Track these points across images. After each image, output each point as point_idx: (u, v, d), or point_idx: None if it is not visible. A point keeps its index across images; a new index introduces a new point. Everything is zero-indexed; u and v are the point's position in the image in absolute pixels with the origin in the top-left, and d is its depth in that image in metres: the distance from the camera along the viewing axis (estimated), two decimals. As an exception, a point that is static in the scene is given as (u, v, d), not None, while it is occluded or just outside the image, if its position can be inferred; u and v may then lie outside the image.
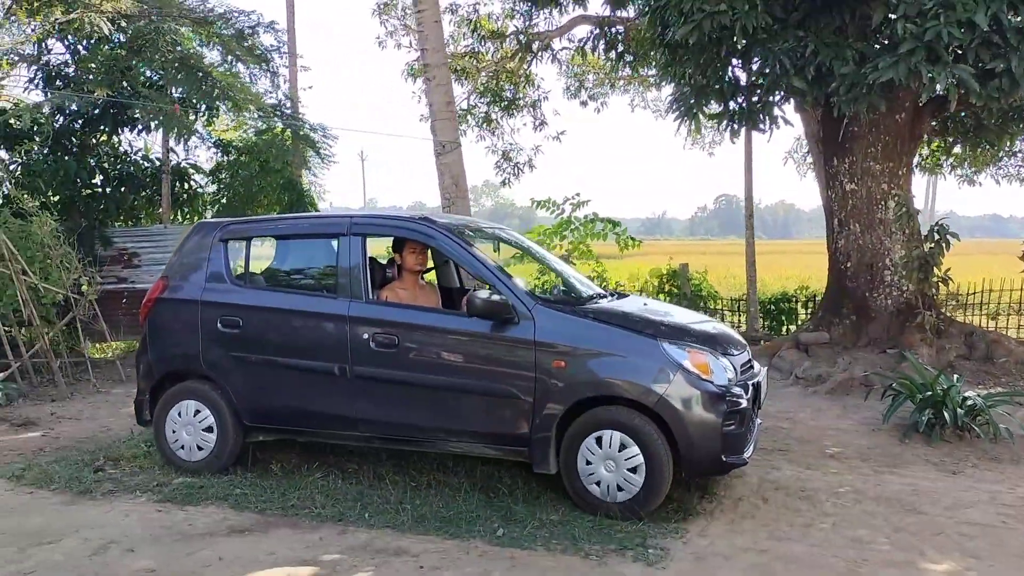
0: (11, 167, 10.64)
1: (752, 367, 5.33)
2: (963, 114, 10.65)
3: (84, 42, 11.07)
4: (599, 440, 4.75)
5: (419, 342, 5.11)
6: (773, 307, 12.56)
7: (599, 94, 18.83)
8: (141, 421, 5.91)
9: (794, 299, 12.65)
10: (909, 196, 10.14)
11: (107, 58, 10.46)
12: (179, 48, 9.93)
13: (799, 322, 12.58)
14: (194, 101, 10.39)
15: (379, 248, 7.19)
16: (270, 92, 11.21)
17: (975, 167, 16.07)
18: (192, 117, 10.25)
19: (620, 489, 4.73)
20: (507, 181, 16.06)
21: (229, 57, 10.23)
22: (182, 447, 5.65)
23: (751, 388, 4.97)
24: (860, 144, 9.91)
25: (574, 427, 4.82)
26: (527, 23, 15.76)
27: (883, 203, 9.94)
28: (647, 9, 9.52)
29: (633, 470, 4.70)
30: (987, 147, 12.48)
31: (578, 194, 11.87)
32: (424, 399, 5.09)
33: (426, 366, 5.09)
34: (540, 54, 15.71)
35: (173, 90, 10.24)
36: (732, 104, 9.40)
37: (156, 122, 9.64)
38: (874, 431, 6.98)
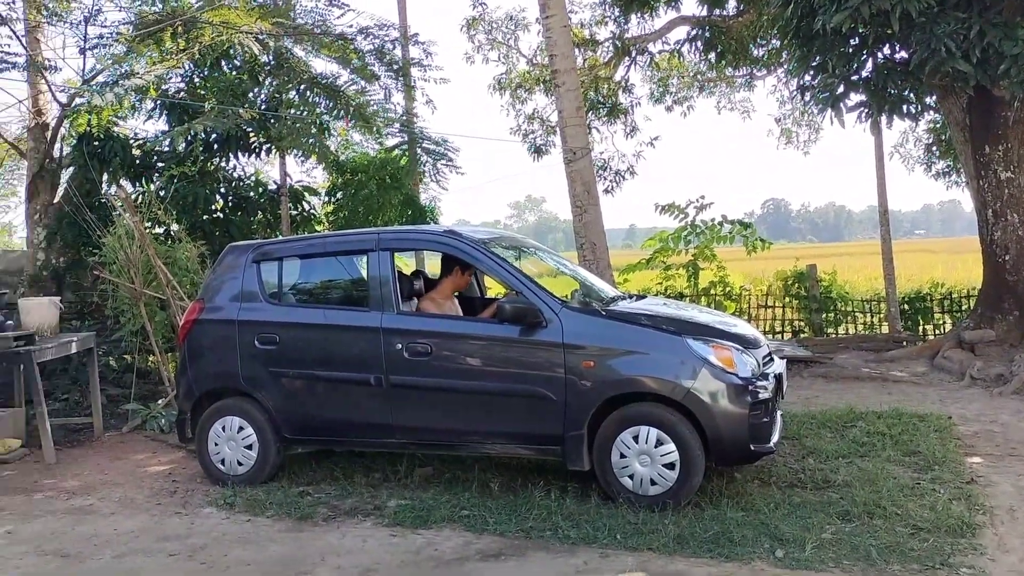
0: (136, 196, 10.64)
1: (772, 360, 5.42)
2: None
3: (200, 70, 11.10)
4: (633, 436, 4.86)
5: (452, 349, 5.28)
6: (907, 307, 12.00)
7: (683, 98, 18.40)
8: (183, 439, 6.09)
9: (929, 298, 12.08)
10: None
11: (228, 83, 10.41)
12: (310, 68, 9.85)
13: (935, 321, 12.04)
14: (322, 122, 10.28)
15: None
16: (399, 106, 11.05)
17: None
18: (319, 138, 10.10)
19: (654, 483, 4.85)
20: (609, 189, 15.77)
21: (359, 75, 10.07)
22: (224, 462, 5.75)
23: (773, 379, 5.08)
24: (1016, 130, 9.41)
25: (606, 424, 4.94)
26: (620, 28, 15.51)
27: (1044, 191, 9.41)
28: (788, -1, 9.13)
29: (668, 464, 4.82)
30: None
31: (702, 196, 11.51)
32: (458, 404, 5.24)
33: (459, 372, 5.24)
34: (636, 58, 15.42)
35: (299, 111, 10.12)
36: (884, 92, 8.97)
37: (298, 146, 9.48)
38: (1096, 431, 6.49)
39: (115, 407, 8.36)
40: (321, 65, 10.85)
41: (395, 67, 10.52)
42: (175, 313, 8.09)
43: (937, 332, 11.70)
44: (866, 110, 9.41)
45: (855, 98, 9.36)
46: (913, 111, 9.56)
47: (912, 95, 9.51)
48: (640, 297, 6.40)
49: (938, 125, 14.36)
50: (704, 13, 14.71)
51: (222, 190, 11.48)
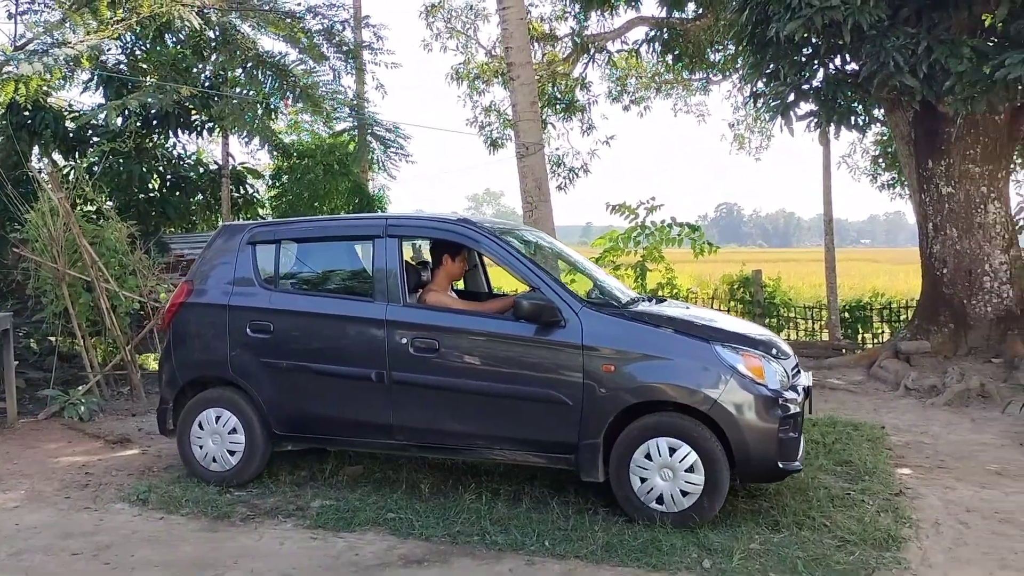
0: (66, 171, 10.22)
1: (799, 372, 5.15)
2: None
3: (141, 43, 10.69)
4: (655, 448, 4.58)
5: (461, 346, 4.95)
6: (848, 315, 12.17)
7: (640, 98, 18.42)
8: (164, 431, 5.69)
9: (869, 307, 12.26)
10: (1008, 200, 9.80)
11: (170, 58, 10.04)
12: (257, 46, 9.54)
13: (874, 330, 12.22)
14: (266, 102, 9.98)
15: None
16: (349, 89, 10.80)
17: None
18: (263, 119, 9.80)
19: (675, 499, 4.57)
20: (563, 186, 15.71)
21: (308, 54, 9.79)
22: (208, 457, 5.40)
23: (802, 392, 4.86)
24: (958, 146, 9.56)
25: (626, 434, 4.65)
26: (580, 25, 15.44)
27: (982, 207, 9.60)
28: (743, 3, 9.13)
29: (692, 480, 4.54)
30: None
31: (652, 198, 11.49)
32: (466, 405, 4.92)
33: (468, 371, 4.92)
34: (595, 56, 15.36)
35: (245, 90, 9.82)
36: (834, 103, 9.04)
37: (241, 125, 9.17)
38: (1023, 445, 6.59)
39: (34, 391, 8.01)
40: (268, 43, 10.58)
41: (345, 48, 10.25)
42: (100, 296, 7.75)
43: (876, 341, 11.89)
44: (815, 119, 9.49)
45: (805, 107, 9.43)
46: (861, 123, 9.67)
47: (860, 107, 9.63)
48: (660, 300, 6.03)
49: (885, 138, 14.60)
50: (663, 14, 14.71)
51: (160, 168, 11.13)
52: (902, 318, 11.69)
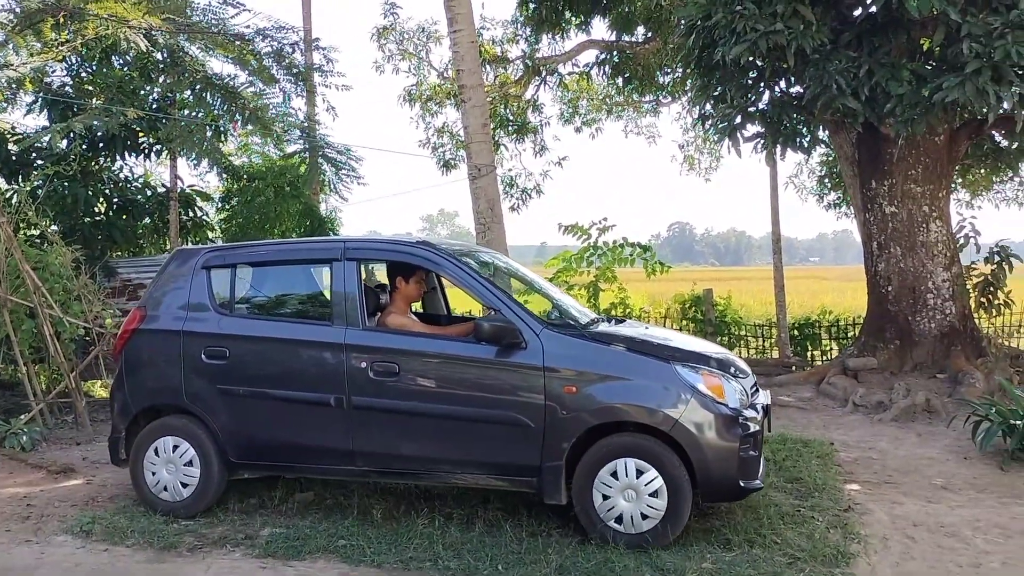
0: (9, 195, 9.95)
1: (758, 390, 5.21)
2: (996, 136, 10.68)
3: (87, 64, 10.51)
4: (617, 469, 4.58)
5: (421, 370, 4.92)
6: (797, 333, 12.39)
7: (592, 120, 18.65)
8: (116, 460, 5.54)
9: (817, 324, 12.50)
10: (949, 219, 10.09)
11: (117, 79, 9.88)
12: (206, 68, 9.45)
13: (823, 347, 12.45)
14: (216, 124, 9.87)
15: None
16: (300, 111, 10.74)
17: (973, 192, 16.31)
18: (213, 141, 9.69)
19: (637, 520, 4.56)
20: (516, 207, 15.80)
21: (257, 77, 9.73)
22: (161, 487, 5.28)
23: (762, 410, 4.90)
24: (900, 166, 9.82)
25: (588, 456, 4.64)
26: (531, 48, 15.60)
27: (924, 225, 9.85)
28: (690, 28, 9.33)
29: (654, 501, 4.55)
30: (1004, 171, 12.69)
31: (605, 219, 11.62)
32: (427, 429, 4.88)
33: (429, 395, 4.88)
34: (547, 78, 15.52)
35: (194, 112, 9.70)
36: (779, 125, 9.25)
37: (189, 147, 9.05)
38: (967, 459, 6.75)
39: (-28, 422, 7.72)
40: (217, 66, 10.50)
41: (295, 71, 10.21)
42: (43, 322, 7.55)
43: (825, 358, 12.11)
44: (762, 141, 9.69)
45: (752, 129, 9.62)
46: (806, 144, 9.89)
47: (805, 129, 9.86)
48: (619, 320, 6.10)
49: (830, 159, 14.96)
50: (613, 38, 14.98)
51: (106, 192, 10.92)
52: (850, 335, 11.93)
